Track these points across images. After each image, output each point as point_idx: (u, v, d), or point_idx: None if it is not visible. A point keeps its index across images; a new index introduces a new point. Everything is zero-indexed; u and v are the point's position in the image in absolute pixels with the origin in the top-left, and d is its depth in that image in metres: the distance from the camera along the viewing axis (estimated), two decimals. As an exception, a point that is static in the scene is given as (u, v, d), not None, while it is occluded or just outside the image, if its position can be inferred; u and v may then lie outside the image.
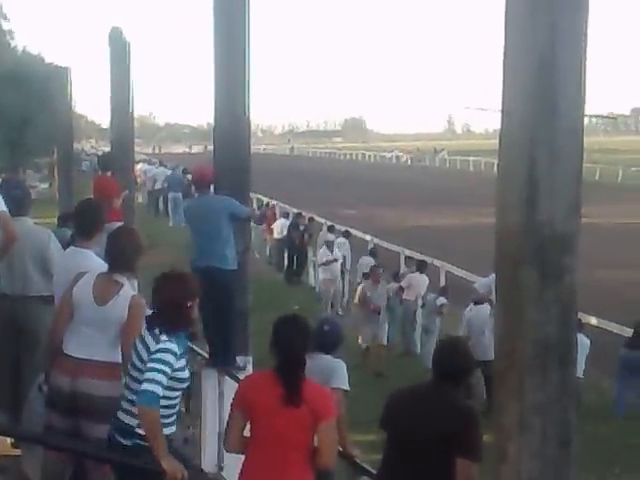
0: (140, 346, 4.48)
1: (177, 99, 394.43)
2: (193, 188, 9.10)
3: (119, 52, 11.24)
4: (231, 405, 4.53)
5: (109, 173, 11.09)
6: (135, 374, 4.47)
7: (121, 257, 5.16)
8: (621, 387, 12.10)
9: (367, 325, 14.76)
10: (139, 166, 32.63)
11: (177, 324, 4.49)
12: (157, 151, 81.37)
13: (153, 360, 4.33)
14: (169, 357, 4.36)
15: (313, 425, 4.30)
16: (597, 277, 17.89)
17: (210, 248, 7.67)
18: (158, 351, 4.36)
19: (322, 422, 4.31)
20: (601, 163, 55.92)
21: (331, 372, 5.79)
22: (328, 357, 5.89)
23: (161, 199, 29.86)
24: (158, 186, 30.24)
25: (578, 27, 3.01)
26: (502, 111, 3.10)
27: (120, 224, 10.38)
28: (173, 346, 4.40)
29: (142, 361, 4.41)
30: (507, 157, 3.14)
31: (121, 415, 4.50)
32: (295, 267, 22.08)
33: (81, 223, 5.78)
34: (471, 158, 68.63)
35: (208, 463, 7.37)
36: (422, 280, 15.90)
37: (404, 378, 12.47)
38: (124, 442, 4.44)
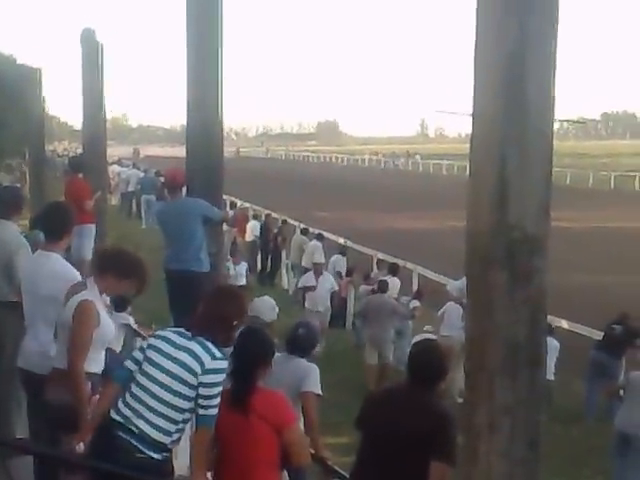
0: (188, 357, 4.30)
1: (150, 101, 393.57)
2: (166, 191, 9.09)
3: (91, 53, 11.16)
4: None
5: (80, 175, 11.04)
6: (179, 387, 4.28)
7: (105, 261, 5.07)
8: (591, 389, 12.19)
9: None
10: (112, 168, 32.48)
11: (219, 339, 4.40)
12: (136, 154, 76.96)
13: (212, 384, 4.27)
14: (222, 377, 4.33)
15: (273, 436, 4.33)
16: (568, 280, 18.02)
17: (184, 251, 7.68)
18: (215, 371, 4.29)
19: (284, 430, 4.35)
20: (572, 167, 56.42)
21: (304, 376, 5.80)
22: (302, 360, 5.91)
23: (134, 201, 29.75)
24: (131, 188, 30.12)
25: (548, 30, 3.03)
26: (472, 113, 3.12)
27: (92, 226, 10.40)
28: (225, 364, 4.35)
29: (193, 374, 4.27)
30: (477, 159, 3.16)
31: (150, 431, 4.28)
32: (268, 269, 22.06)
33: (49, 226, 5.67)
34: (444, 162, 68.99)
35: (180, 465, 7.34)
36: (394, 283, 15.91)
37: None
38: (156, 456, 4.31)
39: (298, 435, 4.53)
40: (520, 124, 3.01)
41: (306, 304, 15.62)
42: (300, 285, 16.37)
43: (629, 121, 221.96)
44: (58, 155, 51.08)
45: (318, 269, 16.18)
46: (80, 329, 4.85)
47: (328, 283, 15.86)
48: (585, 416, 11.93)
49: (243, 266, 16.99)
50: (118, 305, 9.57)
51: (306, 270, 18.92)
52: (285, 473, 4.84)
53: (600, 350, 12.35)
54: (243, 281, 15.90)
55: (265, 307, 6.42)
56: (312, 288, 15.58)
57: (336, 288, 16.26)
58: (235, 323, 4.46)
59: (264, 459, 4.38)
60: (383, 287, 14.21)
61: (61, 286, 5.30)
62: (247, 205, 27.78)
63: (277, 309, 6.36)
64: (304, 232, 21.44)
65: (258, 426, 4.32)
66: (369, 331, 13.57)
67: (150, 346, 4.42)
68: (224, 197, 9.85)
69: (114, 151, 52.31)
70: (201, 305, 4.52)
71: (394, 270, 16.38)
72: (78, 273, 5.54)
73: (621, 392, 9.61)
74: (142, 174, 31.18)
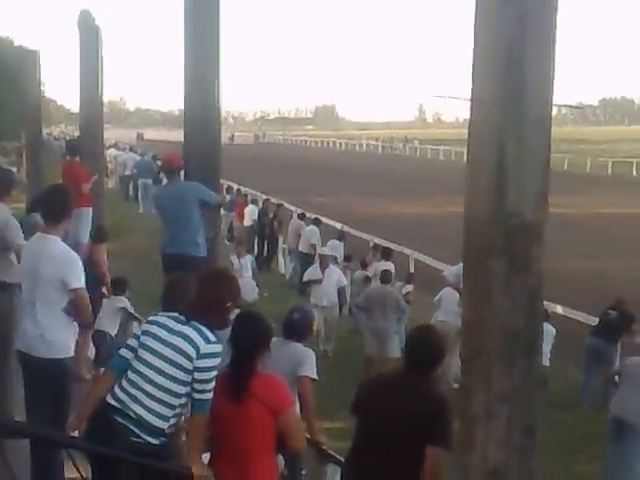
0: (183, 342, 4.29)
1: (148, 84, 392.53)
2: (163, 174, 9.07)
3: (88, 36, 11.12)
4: None
5: (77, 158, 11.01)
6: (175, 372, 4.29)
7: None
8: (587, 375, 12.21)
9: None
10: (109, 151, 32.40)
11: (214, 322, 4.39)
12: (140, 138, 74.00)
13: (208, 369, 4.27)
14: (217, 361, 4.33)
15: (270, 420, 4.32)
16: (565, 267, 18.03)
17: (181, 235, 7.66)
18: (211, 355, 4.29)
19: (281, 414, 4.34)
20: (570, 153, 56.35)
21: (300, 360, 5.81)
22: (298, 345, 5.92)
23: (131, 185, 29.70)
24: (128, 172, 30.07)
25: (547, 16, 3.02)
26: (471, 99, 3.11)
27: (89, 209, 10.38)
28: (219, 348, 4.35)
29: (188, 358, 4.26)
30: (476, 145, 3.15)
31: (147, 416, 4.29)
32: (265, 254, 22.07)
33: (49, 208, 5.66)
34: (442, 147, 68.96)
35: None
36: (388, 267, 15.79)
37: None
38: (153, 441, 4.31)
39: (295, 419, 4.53)
40: (519, 110, 3.00)
41: (311, 299, 14.39)
42: (305, 278, 15.27)
43: (627, 107, 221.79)
44: (55, 138, 50.98)
45: (324, 261, 14.99)
46: None
47: (335, 275, 14.77)
48: (581, 402, 11.96)
49: (248, 259, 15.57)
50: (116, 288, 9.60)
51: (302, 255, 18.91)
52: (280, 457, 4.84)
53: (596, 336, 12.36)
54: (249, 274, 14.64)
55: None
56: (318, 281, 14.52)
57: (344, 283, 15.10)
58: (229, 305, 4.45)
59: (261, 443, 4.37)
60: (386, 278, 13.23)
61: (60, 269, 5.31)
62: (245, 189, 27.71)
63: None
64: (301, 217, 21.40)
65: (256, 410, 4.31)
66: (371, 323, 12.65)
67: (145, 332, 4.42)
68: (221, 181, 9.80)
69: (111, 134, 52.18)
70: (197, 293, 4.52)
71: (387, 254, 16.29)
72: (77, 256, 5.54)
73: (616, 378, 9.62)
74: (139, 158, 31.10)
